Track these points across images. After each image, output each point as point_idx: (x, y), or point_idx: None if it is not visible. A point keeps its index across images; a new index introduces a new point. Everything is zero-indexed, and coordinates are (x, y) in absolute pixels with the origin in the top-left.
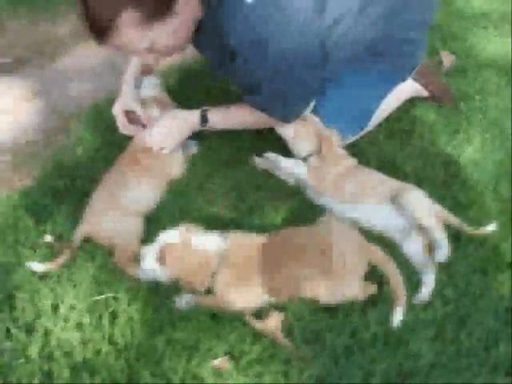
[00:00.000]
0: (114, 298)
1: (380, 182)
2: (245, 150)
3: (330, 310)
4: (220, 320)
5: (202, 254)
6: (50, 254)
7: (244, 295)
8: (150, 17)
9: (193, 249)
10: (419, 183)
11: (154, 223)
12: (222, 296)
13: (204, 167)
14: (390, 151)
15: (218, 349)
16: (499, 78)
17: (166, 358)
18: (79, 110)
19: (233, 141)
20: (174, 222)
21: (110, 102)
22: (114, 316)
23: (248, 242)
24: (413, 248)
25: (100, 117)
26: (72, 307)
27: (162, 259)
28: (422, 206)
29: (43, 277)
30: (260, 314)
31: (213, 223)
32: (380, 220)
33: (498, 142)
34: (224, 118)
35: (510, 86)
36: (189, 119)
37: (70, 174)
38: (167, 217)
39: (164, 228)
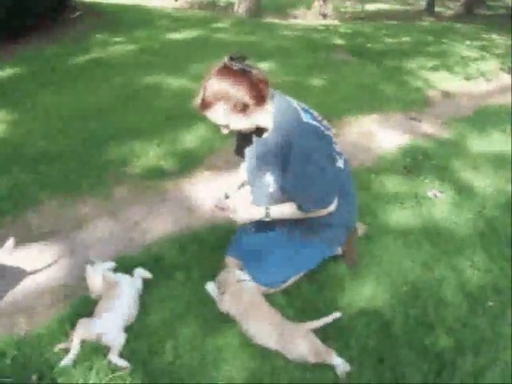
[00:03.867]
0: (121, 377)
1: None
2: None
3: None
4: None
5: None
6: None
7: None
8: (231, 111)
9: None
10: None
11: None
12: None
13: None
14: (308, 297)
15: None
16: (395, 241)
17: None
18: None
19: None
20: None
21: (118, 259)
22: None
23: None
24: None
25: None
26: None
27: None
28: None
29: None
30: None
31: None
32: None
33: (389, 288)
34: (280, 214)
35: (404, 247)
36: (259, 212)
37: (90, 305)
38: None
39: None
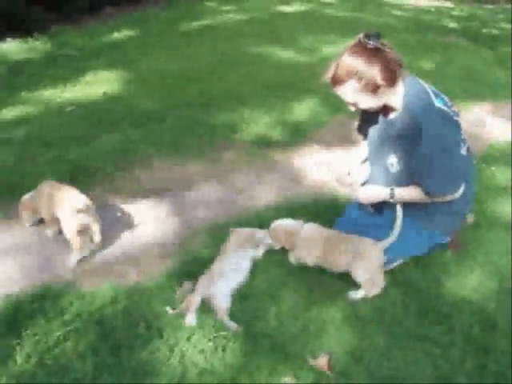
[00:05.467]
0: (225, 337)
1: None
2: None
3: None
4: (289, 358)
5: None
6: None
7: None
8: (361, 90)
9: None
10: None
11: None
12: None
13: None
14: (412, 277)
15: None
16: (504, 233)
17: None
18: (201, 228)
19: None
20: None
21: (225, 223)
22: (223, 349)
23: None
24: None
25: (217, 232)
26: (198, 340)
27: None
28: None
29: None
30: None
31: None
32: None
33: (496, 280)
34: (404, 196)
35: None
36: (383, 193)
37: (197, 264)
38: None
39: None
